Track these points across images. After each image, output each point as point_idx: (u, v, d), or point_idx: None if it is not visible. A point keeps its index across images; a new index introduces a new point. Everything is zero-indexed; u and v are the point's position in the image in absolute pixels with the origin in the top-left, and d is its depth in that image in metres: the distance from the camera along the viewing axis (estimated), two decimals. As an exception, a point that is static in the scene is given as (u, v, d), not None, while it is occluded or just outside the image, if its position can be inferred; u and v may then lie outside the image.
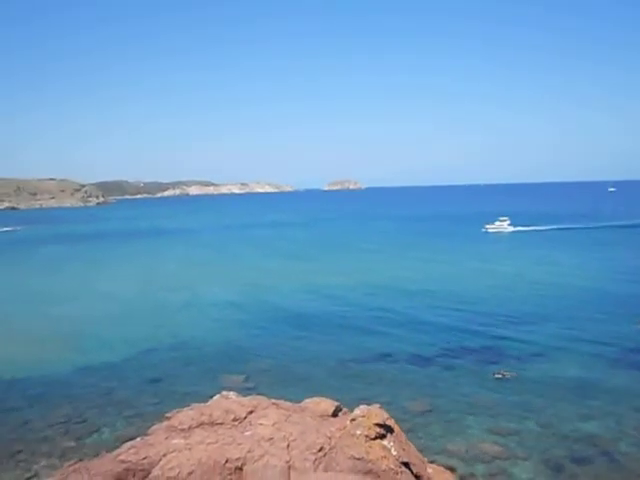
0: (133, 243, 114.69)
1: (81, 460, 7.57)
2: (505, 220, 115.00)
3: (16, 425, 26.31)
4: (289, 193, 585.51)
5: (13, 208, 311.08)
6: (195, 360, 35.55)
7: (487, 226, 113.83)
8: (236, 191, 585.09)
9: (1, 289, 64.83)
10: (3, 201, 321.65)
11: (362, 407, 9.02)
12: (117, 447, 20.89)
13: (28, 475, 21.16)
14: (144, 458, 6.48)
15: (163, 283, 64.90)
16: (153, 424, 24.66)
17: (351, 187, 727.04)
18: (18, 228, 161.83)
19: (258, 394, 15.44)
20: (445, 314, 45.32)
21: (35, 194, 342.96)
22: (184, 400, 27.52)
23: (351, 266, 73.09)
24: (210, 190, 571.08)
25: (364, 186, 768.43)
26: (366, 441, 7.91)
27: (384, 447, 8.10)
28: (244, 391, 18.30)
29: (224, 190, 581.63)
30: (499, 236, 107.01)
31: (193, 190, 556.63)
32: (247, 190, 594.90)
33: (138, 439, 7.16)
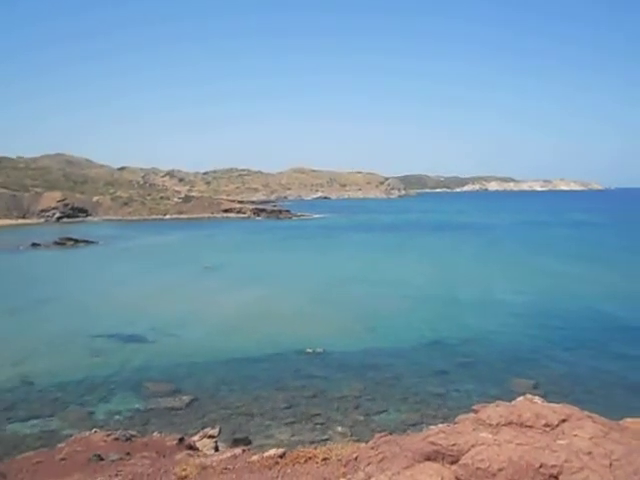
0: (428, 235, 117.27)
1: (390, 434, 7.61)
2: None
3: (316, 392, 28.82)
4: (598, 192, 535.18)
5: (325, 197, 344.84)
6: (482, 358, 34.57)
7: None
8: (538, 188, 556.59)
9: (308, 269, 71.96)
10: (317, 191, 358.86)
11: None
12: (403, 429, 21.62)
13: (323, 437, 22.86)
14: (453, 444, 6.26)
15: (455, 276, 64.86)
16: (436, 413, 25.18)
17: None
18: (329, 215, 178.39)
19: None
20: None
21: (345, 185, 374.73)
22: (469, 396, 27.13)
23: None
24: (510, 186, 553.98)
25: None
26: None
27: None
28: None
29: (525, 187, 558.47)
30: None
31: (492, 185, 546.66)
32: (550, 187, 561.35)
33: (442, 425, 6.93)
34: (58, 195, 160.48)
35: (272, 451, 8.80)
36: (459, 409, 23.04)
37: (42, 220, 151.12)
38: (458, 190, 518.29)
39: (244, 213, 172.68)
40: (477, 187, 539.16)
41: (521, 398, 7.26)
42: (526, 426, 6.21)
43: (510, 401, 7.58)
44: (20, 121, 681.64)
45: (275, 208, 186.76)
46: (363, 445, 7.63)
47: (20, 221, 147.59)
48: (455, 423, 6.83)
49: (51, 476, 10.56)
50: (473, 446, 5.95)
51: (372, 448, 6.87)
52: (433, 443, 6.22)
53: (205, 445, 15.85)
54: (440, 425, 6.99)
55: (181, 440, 13.86)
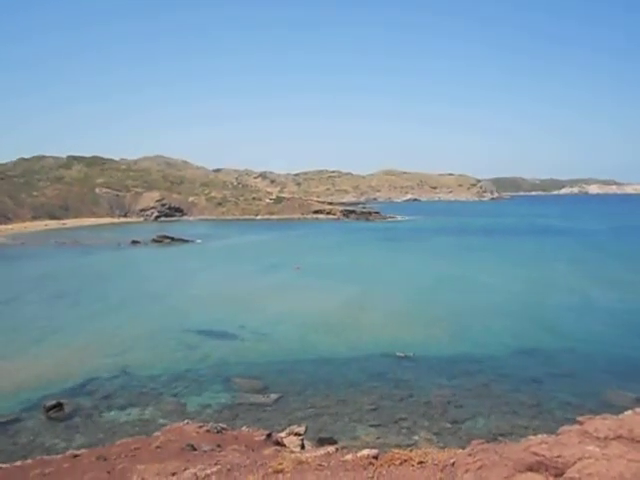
0: (521, 239, 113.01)
1: (487, 442, 7.40)
2: None
3: (403, 396, 28.49)
4: None
5: (415, 200, 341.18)
6: (578, 368, 32.88)
7: None
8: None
9: (397, 272, 71.36)
10: (407, 193, 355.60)
11: None
12: (492, 439, 20.91)
13: (408, 442, 22.52)
14: (557, 456, 5.94)
15: (549, 282, 62.26)
16: (528, 425, 24.19)
17: None
18: (418, 218, 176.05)
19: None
20: None
21: (435, 187, 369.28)
22: (564, 408, 25.98)
23: None
24: (612, 189, 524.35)
25: None
26: None
27: None
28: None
29: (629, 190, 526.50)
30: None
31: (593, 189, 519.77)
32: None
33: (543, 435, 6.62)
34: (156, 195, 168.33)
35: (366, 451, 8.73)
36: (553, 422, 22.17)
37: (141, 219, 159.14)
38: (555, 193, 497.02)
39: (334, 214, 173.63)
40: (576, 190, 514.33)
41: (629, 412, 6.79)
42: (637, 441, 5.79)
43: (613, 415, 7.15)
44: (124, 125, 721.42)
45: (364, 210, 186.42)
46: (460, 451, 7.41)
47: (122, 219, 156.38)
48: (558, 434, 6.50)
49: (148, 462, 11.02)
50: (580, 459, 5.62)
51: (469, 455, 6.65)
52: (536, 454, 5.93)
53: (292, 442, 16.03)
54: (541, 436, 6.67)
55: (269, 436, 14.08)
